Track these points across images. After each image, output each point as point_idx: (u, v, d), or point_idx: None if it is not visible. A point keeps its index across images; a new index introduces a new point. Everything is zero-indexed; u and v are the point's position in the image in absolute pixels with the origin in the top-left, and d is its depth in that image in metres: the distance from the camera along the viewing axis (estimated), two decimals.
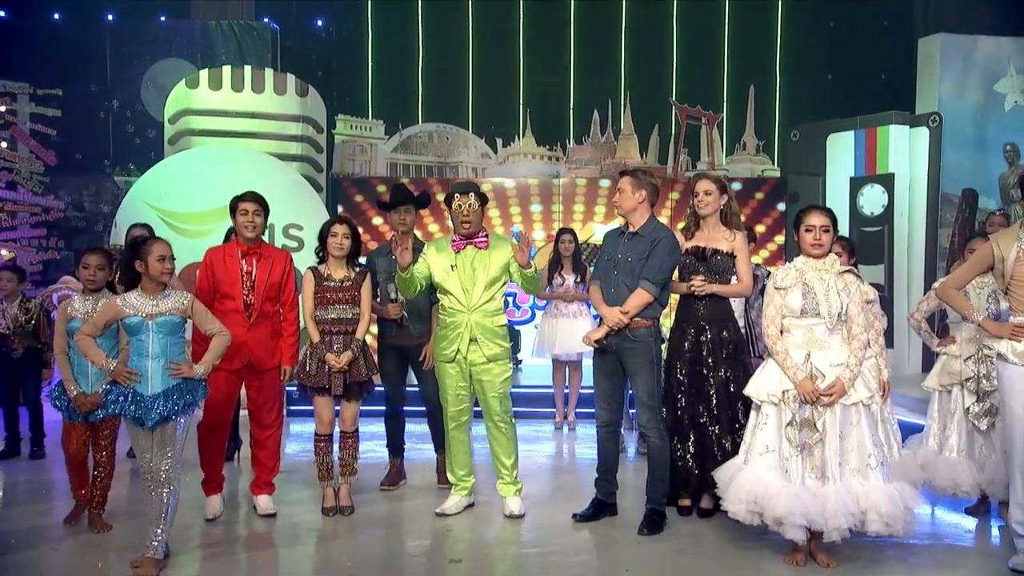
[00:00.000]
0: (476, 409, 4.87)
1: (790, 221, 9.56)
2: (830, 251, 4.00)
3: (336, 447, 4.90)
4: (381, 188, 9.92)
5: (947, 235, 9.35)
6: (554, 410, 7.50)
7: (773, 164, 11.22)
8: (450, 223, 4.84)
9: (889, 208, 8.98)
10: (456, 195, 4.64)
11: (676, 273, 4.66)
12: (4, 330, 6.00)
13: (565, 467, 6.36)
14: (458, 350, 4.62)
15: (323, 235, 4.77)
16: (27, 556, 4.13)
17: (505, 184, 9.90)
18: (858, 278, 4.02)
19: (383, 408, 5.48)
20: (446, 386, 4.75)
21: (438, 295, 4.77)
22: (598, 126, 11.36)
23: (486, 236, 4.69)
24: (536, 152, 11.16)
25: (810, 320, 3.90)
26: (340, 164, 10.84)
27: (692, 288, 4.51)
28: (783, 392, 3.88)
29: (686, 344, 4.57)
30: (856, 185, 9.23)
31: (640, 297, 4.34)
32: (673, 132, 11.50)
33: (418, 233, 5.56)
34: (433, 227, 9.51)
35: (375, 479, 5.40)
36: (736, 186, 9.71)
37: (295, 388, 5.18)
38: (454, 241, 4.67)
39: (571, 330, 7.09)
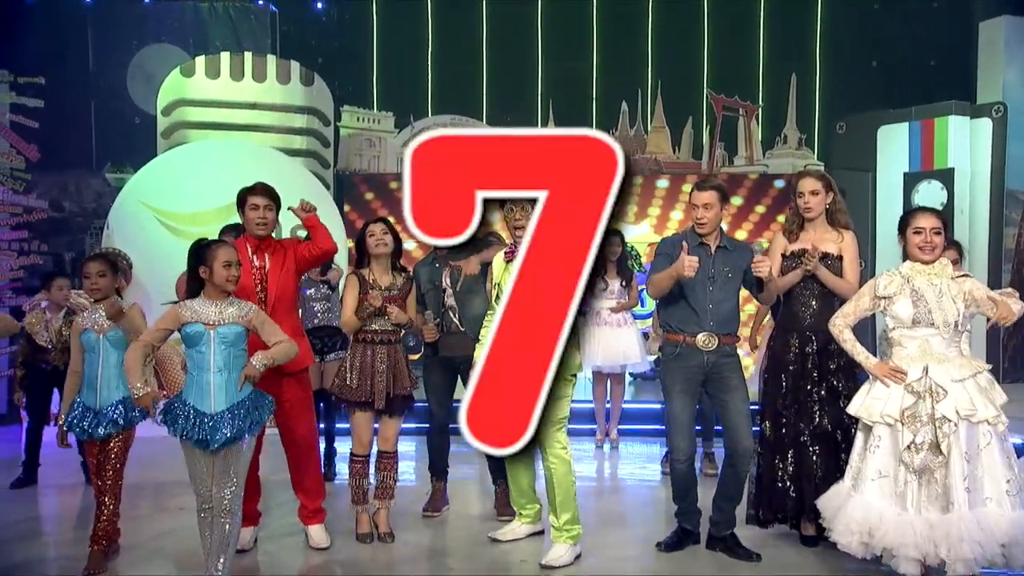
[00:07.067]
0: None
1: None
2: (941, 256, 3.91)
3: (372, 468, 4.79)
4: (394, 185, 9.79)
5: (1012, 235, 9.33)
6: (595, 427, 7.38)
7: (816, 159, 11.14)
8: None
9: (948, 206, 8.93)
10: (507, 201, 4.51)
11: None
12: (45, 343, 5.85)
13: (608, 488, 6.26)
14: None
15: (360, 240, 4.71)
16: None
17: None
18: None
19: (415, 426, 5.36)
20: None
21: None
22: (626, 117, 11.29)
23: None
24: None
25: (924, 331, 3.81)
26: (346, 159, 10.70)
27: (806, 265, 4.32)
28: (902, 412, 3.74)
29: (790, 355, 4.47)
30: (911, 181, 9.22)
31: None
32: (707, 124, 11.42)
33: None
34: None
35: (409, 504, 5.26)
36: (778, 183, 9.66)
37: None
38: (507, 252, 4.54)
39: (615, 340, 6.98)
